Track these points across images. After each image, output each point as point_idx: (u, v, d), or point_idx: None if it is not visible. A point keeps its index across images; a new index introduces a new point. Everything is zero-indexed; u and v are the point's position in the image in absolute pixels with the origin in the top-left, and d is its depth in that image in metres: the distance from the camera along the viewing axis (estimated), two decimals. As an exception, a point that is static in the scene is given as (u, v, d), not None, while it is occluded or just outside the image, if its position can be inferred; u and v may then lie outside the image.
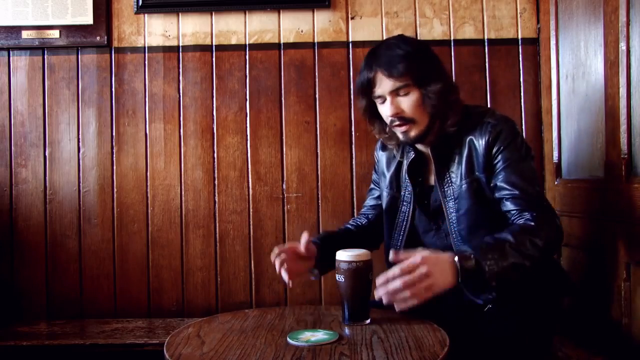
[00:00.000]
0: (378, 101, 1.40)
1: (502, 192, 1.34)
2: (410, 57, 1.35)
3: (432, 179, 1.45)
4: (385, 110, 1.38)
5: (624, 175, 1.46)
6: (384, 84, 1.35)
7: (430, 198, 1.47)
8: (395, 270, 1.14)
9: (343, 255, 1.28)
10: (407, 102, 1.35)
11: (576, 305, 1.76)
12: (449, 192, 1.41)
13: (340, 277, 1.28)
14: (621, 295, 1.47)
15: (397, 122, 1.37)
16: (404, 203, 1.51)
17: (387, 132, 1.47)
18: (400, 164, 1.53)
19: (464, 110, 1.41)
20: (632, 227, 1.43)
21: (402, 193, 1.51)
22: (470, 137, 1.38)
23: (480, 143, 1.37)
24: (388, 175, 1.55)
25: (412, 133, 1.38)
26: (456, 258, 1.18)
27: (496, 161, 1.35)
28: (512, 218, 1.32)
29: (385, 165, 1.57)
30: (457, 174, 1.40)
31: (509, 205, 1.33)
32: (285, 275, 1.36)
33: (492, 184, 1.36)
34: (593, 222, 1.66)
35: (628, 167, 1.45)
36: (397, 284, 1.13)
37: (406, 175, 1.49)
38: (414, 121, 1.36)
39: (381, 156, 1.59)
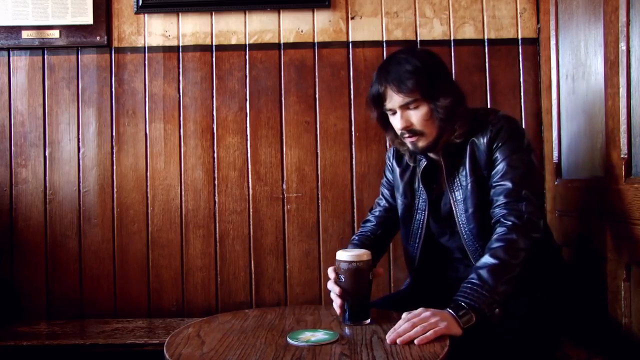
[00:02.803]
0: (389, 113, 1.44)
1: (495, 187, 1.38)
2: (419, 73, 1.37)
3: (444, 186, 1.48)
4: (396, 123, 1.42)
5: (623, 175, 1.46)
6: (394, 99, 1.38)
7: (441, 203, 1.50)
8: (400, 321, 1.17)
9: (343, 255, 1.28)
10: (416, 116, 1.39)
11: (576, 305, 1.76)
12: (458, 195, 1.44)
13: (340, 277, 1.28)
14: (621, 295, 1.47)
15: (407, 135, 1.41)
16: (418, 211, 1.54)
17: (399, 139, 1.50)
18: (413, 172, 1.56)
19: (470, 116, 1.44)
20: (632, 227, 1.42)
21: (417, 201, 1.54)
22: (473, 138, 1.42)
23: (482, 142, 1.40)
24: (402, 185, 1.58)
25: (421, 144, 1.42)
26: (453, 314, 1.18)
27: (495, 156, 1.39)
28: (495, 217, 1.35)
29: (400, 176, 1.59)
30: (464, 176, 1.43)
31: (497, 200, 1.36)
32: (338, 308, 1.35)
33: (490, 178, 1.40)
34: (593, 222, 1.66)
35: (628, 167, 1.45)
36: (405, 325, 1.14)
37: (420, 183, 1.52)
38: (423, 133, 1.40)
39: (396, 167, 1.61)
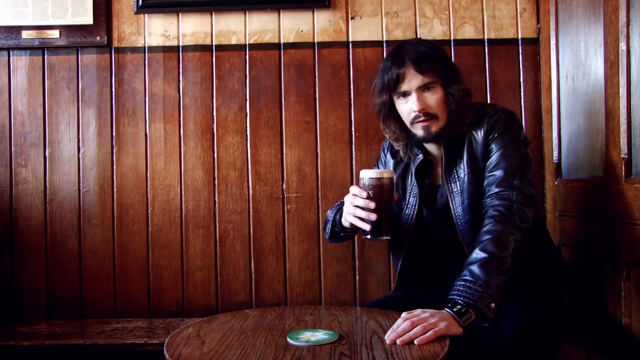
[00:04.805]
0: (400, 98, 1.45)
1: (488, 178, 1.40)
2: (436, 55, 1.43)
3: (439, 179, 1.50)
4: (411, 105, 1.43)
5: (623, 175, 1.46)
6: (413, 80, 1.41)
7: (436, 196, 1.51)
8: (399, 320, 1.17)
9: (369, 173, 1.35)
10: (432, 98, 1.42)
11: (576, 305, 1.76)
12: (455, 187, 1.45)
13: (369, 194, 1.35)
14: (621, 295, 1.47)
15: (421, 118, 1.42)
16: (408, 206, 1.54)
17: (397, 131, 1.51)
18: (406, 167, 1.57)
19: (472, 109, 1.47)
20: (632, 227, 1.43)
21: (407, 196, 1.55)
22: (472, 131, 1.45)
23: (479, 134, 1.43)
24: (394, 178, 1.57)
25: (433, 129, 1.43)
26: (452, 313, 1.18)
27: (490, 147, 1.42)
28: (485, 208, 1.37)
29: (393, 169, 1.60)
30: (461, 168, 1.44)
31: (489, 190, 1.38)
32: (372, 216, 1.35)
33: (485, 169, 1.42)
34: (593, 222, 1.66)
35: (628, 167, 1.45)
36: (404, 325, 1.14)
37: (414, 178, 1.52)
38: (436, 117, 1.43)
39: (390, 159, 1.63)
